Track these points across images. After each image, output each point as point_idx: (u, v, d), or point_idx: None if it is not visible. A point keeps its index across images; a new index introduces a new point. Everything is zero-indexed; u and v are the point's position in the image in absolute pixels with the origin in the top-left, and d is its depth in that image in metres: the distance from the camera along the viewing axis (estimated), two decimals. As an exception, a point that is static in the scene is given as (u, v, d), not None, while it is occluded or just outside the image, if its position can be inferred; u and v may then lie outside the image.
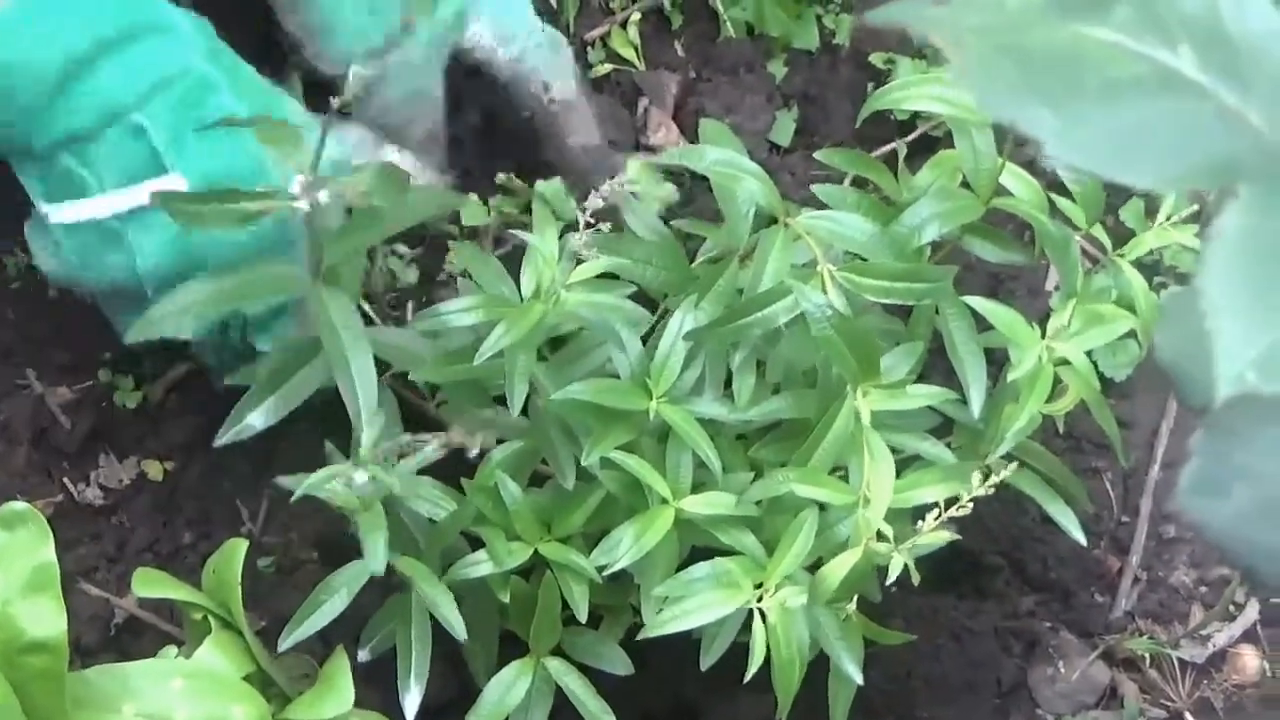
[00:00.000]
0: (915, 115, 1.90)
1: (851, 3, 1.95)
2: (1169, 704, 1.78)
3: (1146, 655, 1.79)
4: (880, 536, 1.31)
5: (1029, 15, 0.67)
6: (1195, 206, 1.52)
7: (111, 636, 1.69)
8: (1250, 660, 1.79)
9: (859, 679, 1.44)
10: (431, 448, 1.35)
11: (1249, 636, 1.81)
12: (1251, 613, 1.81)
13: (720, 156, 1.44)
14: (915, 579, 1.32)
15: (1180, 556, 1.84)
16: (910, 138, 1.92)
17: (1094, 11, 0.67)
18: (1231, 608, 1.81)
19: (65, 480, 1.72)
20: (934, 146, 1.91)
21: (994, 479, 1.28)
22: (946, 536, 1.30)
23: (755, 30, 1.94)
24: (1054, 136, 0.64)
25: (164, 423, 1.75)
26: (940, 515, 1.28)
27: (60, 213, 1.42)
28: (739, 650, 1.46)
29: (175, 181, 1.38)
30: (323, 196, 1.27)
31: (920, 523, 1.30)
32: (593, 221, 1.29)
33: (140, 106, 1.38)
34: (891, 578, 1.31)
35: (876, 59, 1.94)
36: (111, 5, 1.36)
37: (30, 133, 1.37)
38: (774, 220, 1.43)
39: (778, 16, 1.92)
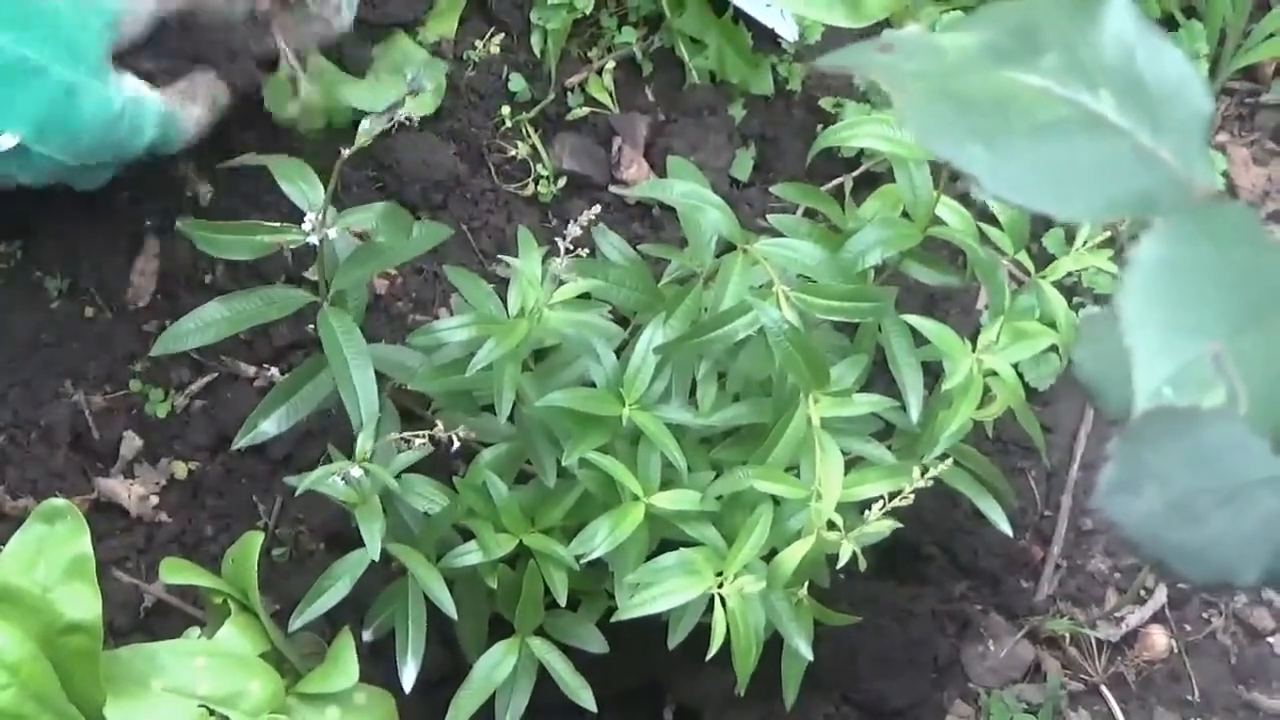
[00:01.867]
0: (860, 153, 1.90)
1: (803, 54, 1.94)
2: (1087, 678, 1.78)
3: (1067, 635, 1.78)
4: (831, 526, 1.30)
5: (965, 62, 0.67)
6: (1108, 233, 1.52)
7: (141, 619, 1.69)
8: (1159, 639, 1.79)
9: (809, 655, 1.45)
10: (421, 442, 1.36)
11: (1158, 618, 1.81)
12: (1160, 596, 1.81)
13: (686, 189, 1.44)
14: (862, 564, 1.32)
15: (1096, 547, 1.84)
16: (856, 173, 1.91)
17: (1024, 59, 0.68)
18: (1142, 592, 1.81)
19: (99, 479, 1.70)
20: (877, 181, 1.90)
21: (931, 474, 1.29)
22: (890, 525, 1.30)
23: (717, 77, 1.93)
24: (987, 172, 0.65)
25: (189, 428, 1.74)
26: (885, 506, 1.29)
27: None
28: (702, 631, 1.45)
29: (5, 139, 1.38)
30: (332, 232, 1.28)
31: (866, 513, 1.30)
32: (572, 248, 1.31)
33: None
34: (842, 563, 1.31)
35: (826, 103, 1.93)
36: None
37: None
38: (734, 247, 1.44)
39: (737, 65, 1.91)
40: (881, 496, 1.29)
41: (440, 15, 1.85)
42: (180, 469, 1.74)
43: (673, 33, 1.92)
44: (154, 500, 1.72)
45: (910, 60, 0.67)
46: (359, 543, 1.55)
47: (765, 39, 1.94)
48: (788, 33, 1.93)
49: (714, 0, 1.92)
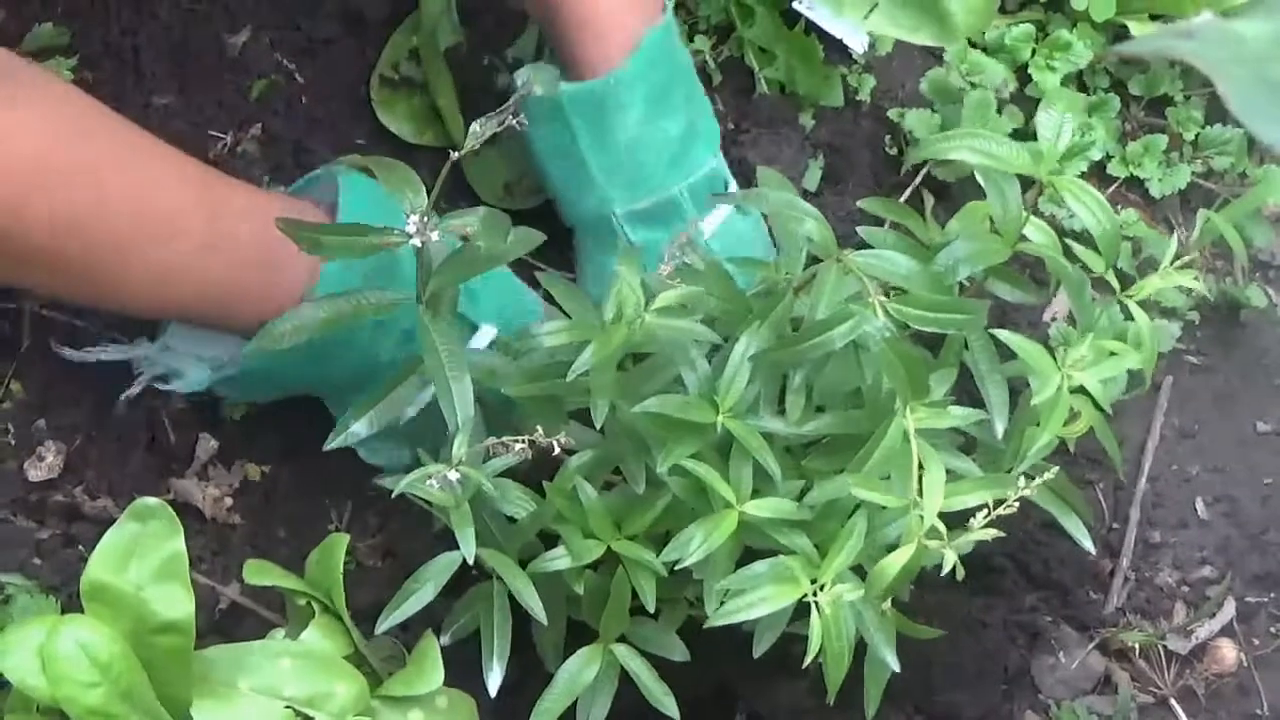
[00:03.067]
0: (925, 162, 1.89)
1: (873, 64, 1.94)
2: (1156, 691, 1.77)
3: (1137, 647, 1.77)
4: (933, 534, 1.29)
5: (1269, 50, 0.66)
6: (1195, 254, 1.52)
7: (216, 621, 1.68)
8: (1228, 652, 1.78)
9: (895, 666, 1.43)
10: (519, 449, 1.35)
11: (1226, 631, 1.80)
12: (1229, 610, 1.80)
13: (782, 199, 1.44)
14: (960, 574, 1.31)
15: (1165, 560, 1.83)
16: (918, 179, 1.90)
17: None
18: (1212, 606, 1.80)
19: (174, 480, 1.70)
20: (943, 189, 1.91)
21: (1034, 483, 1.28)
22: (993, 533, 1.29)
23: (786, 88, 1.92)
24: None
25: (263, 433, 1.73)
26: (990, 515, 1.28)
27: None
28: (779, 644, 1.46)
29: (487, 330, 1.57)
30: (434, 235, 1.27)
31: (970, 521, 1.30)
32: (678, 253, 1.30)
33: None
34: (945, 570, 1.30)
35: (894, 114, 1.93)
36: None
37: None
38: (819, 259, 1.43)
39: (806, 76, 1.91)
40: (985, 505, 1.29)
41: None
42: (253, 471, 1.73)
43: (742, 43, 1.92)
44: (228, 502, 1.71)
45: (1216, 47, 0.67)
46: (427, 550, 1.56)
47: (834, 50, 1.94)
48: (857, 44, 1.93)
49: (784, 11, 1.92)
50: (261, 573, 1.55)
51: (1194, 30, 0.69)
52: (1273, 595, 1.81)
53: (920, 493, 1.31)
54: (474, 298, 1.56)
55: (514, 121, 1.23)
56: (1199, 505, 1.85)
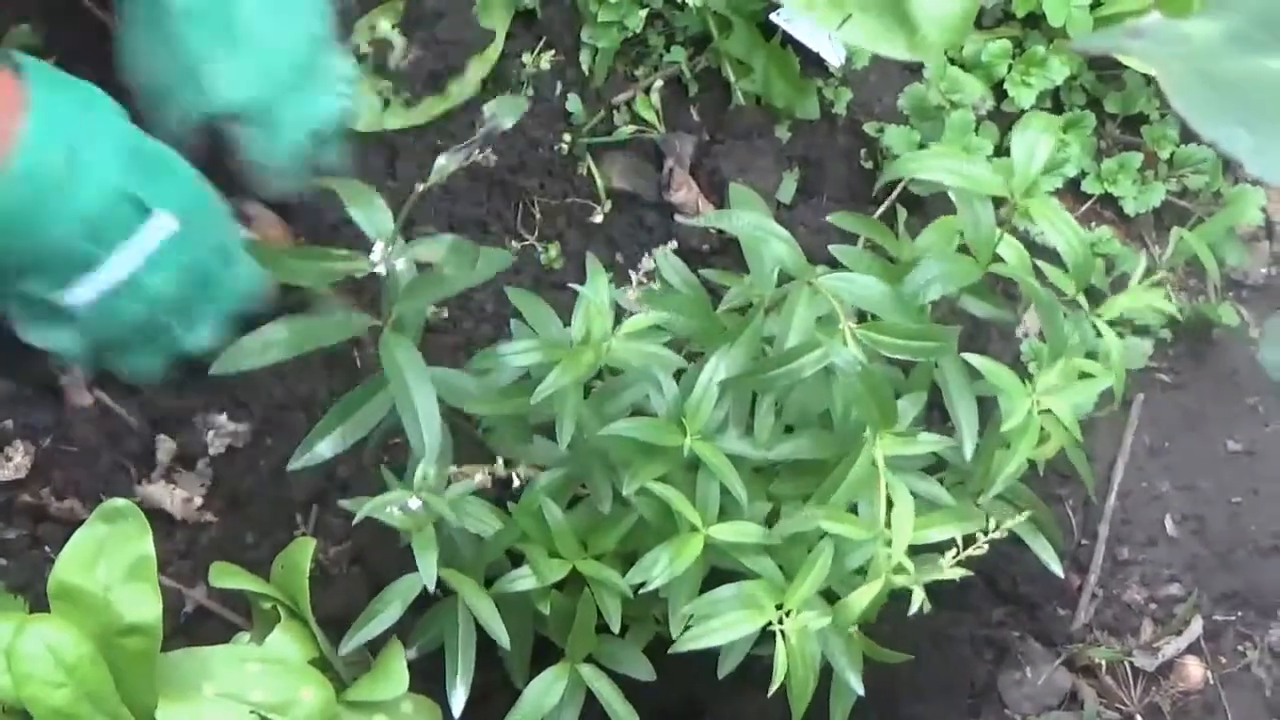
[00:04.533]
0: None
1: (850, 78, 1.91)
2: (1123, 708, 1.75)
3: (1103, 663, 1.75)
4: (900, 569, 1.27)
5: (1212, 48, 0.67)
6: (1164, 273, 1.50)
7: (181, 624, 1.65)
8: (1195, 670, 1.76)
9: (860, 690, 1.42)
10: (480, 478, 1.33)
11: (1193, 649, 1.78)
12: (1196, 628, 1.78)
13: (751, 220, 1.42)
14: (927, 608, 1.29)
15: (1133, 576, 1.81)
16: (895, 193, 1.88)
17: (1267, 47, 0.67)
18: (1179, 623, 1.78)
19: (143, 483, 1.68)
20: (918, 202, 1.88)
21: (1007, 524, 1.26)
22: (961, 573, 1.27)
23: (762, 100, 1.90)
24: (1250, 155, 0.65)
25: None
26: (959, 555, 1.27)
27: (78, 293, 1.47)
28: (744, 659, 1.44)
29: (165, 220, 1.46)
30: (400, 264, 1.25)
31: (940, 559, 1.28)
32: (645, 280, 1.28)
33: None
34: (913, 609, 1.29)
35: (870, 127, 1.90)
36: None
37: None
38: (793, 278, 1.41)
39: (783, 89, 1.88)
40: (954, 542, 1.26)
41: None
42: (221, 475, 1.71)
43: (719, 54, 1.89)
44: (197, 503, 1.69)
45: (1162, 45, 0.68)
46: (394, 557, 1.54)
47: (811, 63, 1.91)
48: (834, 58, 1.90)
49: (761, 23, 1.89)
50: (228, 575, 1.54)
51: (1143, 29, 0.71)
52: (1240, 614, 1.80)
53: (888, 524, 1.28)
54: (153, 180, 1.48)
55: (480, 156, 1.20)
56: (1168, 523, 1.83)
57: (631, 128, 1.86)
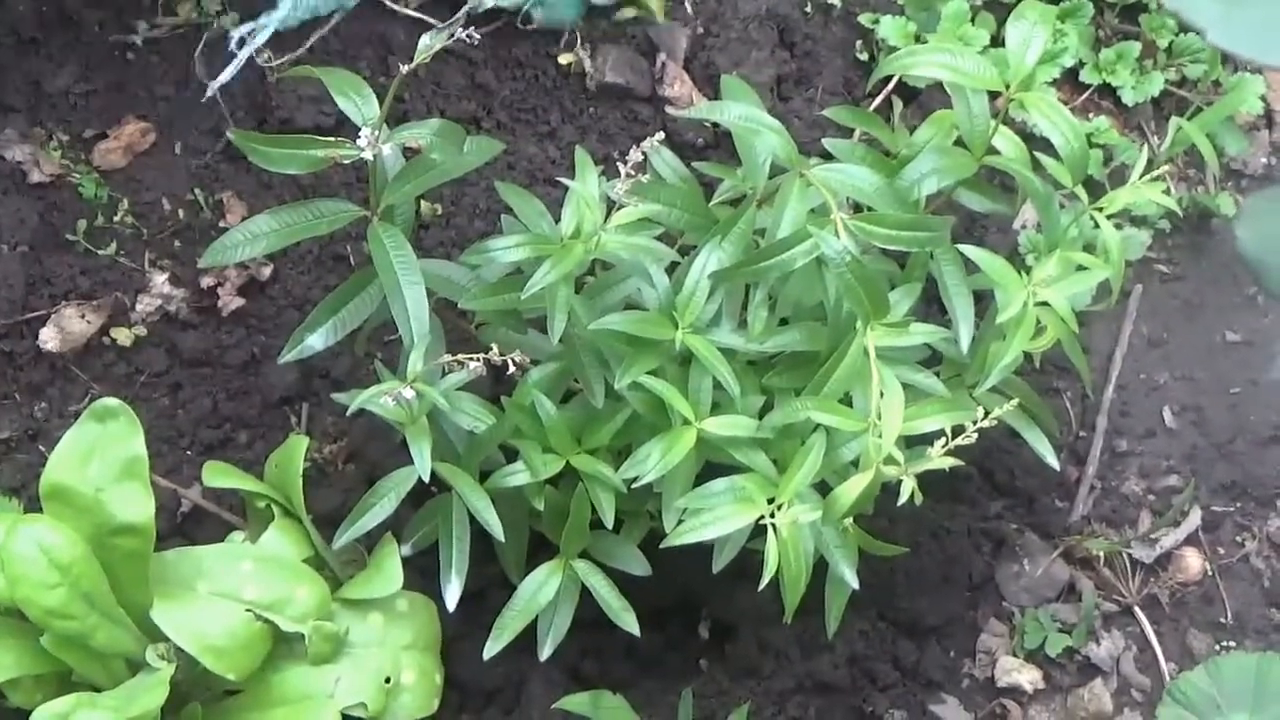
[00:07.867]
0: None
1: (846, -34, 1.87)
2: (1120, 599, 1.73)
3: (1101, 555, 1.73)
4: (890, 460, 1.24)
5: None
6: (1164, 168, 1.46)
7: (178, 524, 1.65)
8: (1193, 562, 1.74)
9: (855, 584, 1.40)
10: (474, 366, 1.30)
11: (1192, 541, 1.76)
12: (1194, 519, 1.76)
13: (743, 112, 1.38)
14: (919, 499, 1.26)
15: (1131, 468, 1.78)
16: (890, 85, 1.84)
17: None
18: (1178, 516, 1.75)
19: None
20: (913, 94, 1.85)
21: (995, 413, 1.23)
22: (952, 462, 1.24)
23: (758, -9, 1.86)
24: (1214, 24, 0.65)
25: (225, 337, 1.71)
26: (948, 444, 1.23)
27: None
28: (741, 552, 1.42)
29: None
30: (387, 149, 1.22)
31: (929, 449, 1.25)
32: (633, 173, 1.24)
33: None
34: (903, 499, 1.26)
35: (865, 19, 1.86)
36: None
37: None
38: (785, 170, 1.38)
39: (779, -21, 1.84)
40: (943, 432, 1.23)
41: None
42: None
43: (714, -56, 1.84)
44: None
45: None
46: (388, 454, 1.50)
47: (807, -48, 1.87)
48: (830, -53, 1.85)
49: (756, -91, 1.85)
50: (221, 474, 1.52)
51: None
52: (1238, 504, 1.77)
53: (879, 415, 1.25)
54: None
55: (463, 34, 1.16)
56: (1166, 414, 1.80)
57: (631, 12, 1.81)
